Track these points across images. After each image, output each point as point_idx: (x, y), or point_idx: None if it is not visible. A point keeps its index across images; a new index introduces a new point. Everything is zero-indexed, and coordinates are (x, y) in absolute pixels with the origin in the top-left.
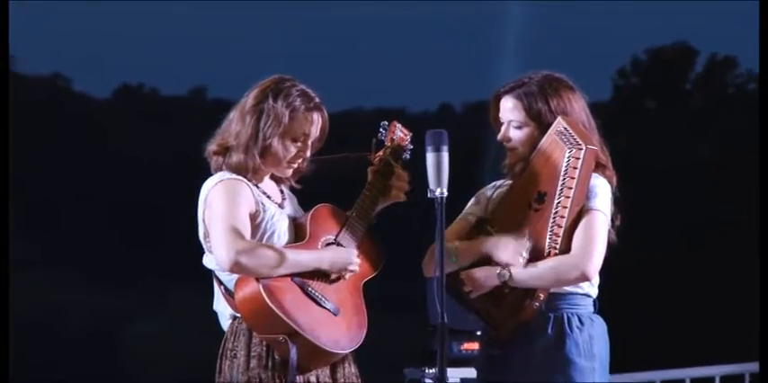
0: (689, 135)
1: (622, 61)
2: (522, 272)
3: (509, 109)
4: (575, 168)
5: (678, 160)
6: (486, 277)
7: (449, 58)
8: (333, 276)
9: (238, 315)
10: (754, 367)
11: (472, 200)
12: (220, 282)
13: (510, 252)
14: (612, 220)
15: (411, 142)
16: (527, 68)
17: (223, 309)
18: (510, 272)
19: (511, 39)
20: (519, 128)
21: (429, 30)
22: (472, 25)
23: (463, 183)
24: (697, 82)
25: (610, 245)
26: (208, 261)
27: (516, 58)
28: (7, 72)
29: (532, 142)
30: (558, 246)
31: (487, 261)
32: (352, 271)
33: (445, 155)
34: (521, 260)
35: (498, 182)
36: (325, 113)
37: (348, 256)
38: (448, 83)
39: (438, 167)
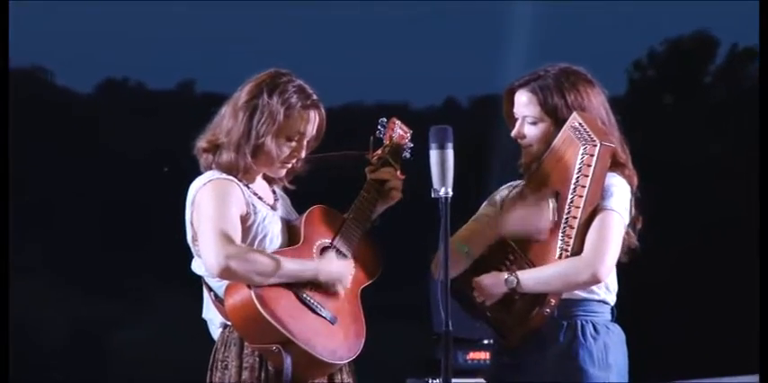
0: (708, 131)
1: (639, 53)
2: (530, 278)
3: (523, 103)
4: (588, 166)
5: (697, 157)
6: (492, 284)
7: (454, 50)
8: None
9: (229, 323)
10: None
11: (486, 202)
12: (210, 289)
13: (529, 221)
14: (633, 223)
15: (411, 140)
16: (537, 60)
17: (213, 317)
18: (517, 278)
19: (520, 29)
20: (534, 124)
21: (433, 19)
22: (479, 16)
23: (469, 183)
24: (717, 74)
25: (632, 250)
26: (196, 266)
27: (526, 50)
28: (7, 72)
29: (548, 139)
30: (569, 248)
31: (489, 258)
32: (345, 285)
33: (450, 153)
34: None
35: (514, 183)
36: (323, 111)
37: (343, 268)
38: (453, 76)
39: (442, 166)
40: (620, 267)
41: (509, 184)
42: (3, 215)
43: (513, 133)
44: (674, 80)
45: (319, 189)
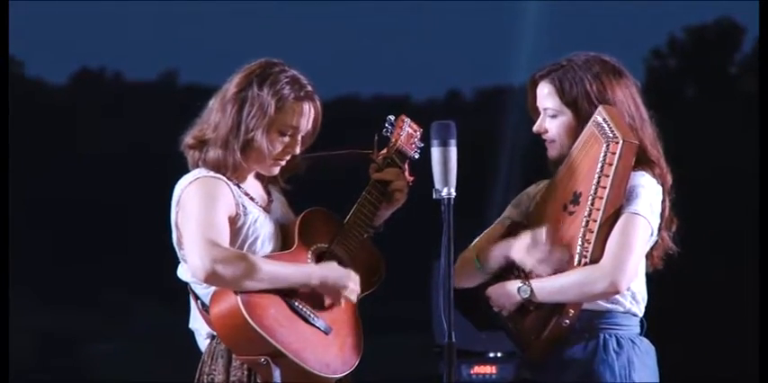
0: (736, 126)
1: (657, 41)
2: (543, 287)
3: (544, 95)
4: (610, 165)
5: (725, 156)
6: (505, 293)
7: (458, 38)
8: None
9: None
10: None
11: (513, 202)
12: (196, 297)
13: (532, 256)
14: (669, 225)
15: (420, 139)
16: (547, 47)
17: (199, 327)
18: (531, 287)
19: (528, 13)
20: (554, 117)
21: (435, 6)
22: (485, 1)
23: (474, 183)
24: (743, 64)
25: (669, 255)
26: (182, 272)
27: (535, 36)
28: (7, 72)
29: (571, 133)
30: (588, 254)
31: (513, 266)
32: (345, 296)
33: (453, 151)
34: (545, 265)
35: (544, 182)
36: (319, 104)
37: (343, 279)
38: (457, 66)
39: (445, 164)
40: (656, 274)
41: (538, 182)
42: (3, 217)
43: (535, 128)
44: (697, 70)
45: (318, 190)
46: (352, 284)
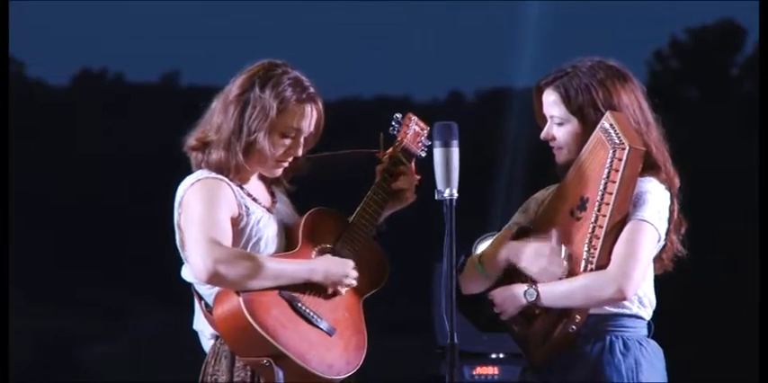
0: (737, 128)
1: (659, 43)
2: (550, 291)
3: (550, 103)
4: (616, 171)
5: (726, 157)
6: (511, 296)
7: (460, 39)
8: (328, 291)
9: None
10: None
11: (521, 207)
12: (200, 297)
13: (541, 262)
14: (678, 228)
15: (427, 137)
16: (549, 49)
17: (203, 328)
18: (537, 291)
19: (531, 16)
20: (561, 124)
21: (437, 7)
22: (486, 2)
23: (476, 184)
24: (745, 66)
25: (678, 258)
26: (186, 273)
27: (537, 38)
28: (7, 72)
29: (578, 140)
30: (594, 260)
31: (515, 271)
32: (348, 285)
33: (455, 151)
34: (557, 271)
35: (552, 187)
36: (321, 105)
37: (344, 267)
38: (459, 67)
39: (447, 165)
40: (665, 277)
41: (547, 188)
42: (3, 217)
43: (542, 135)
44: (699, 72)
45: (323, 190)
46: (351, 271)
